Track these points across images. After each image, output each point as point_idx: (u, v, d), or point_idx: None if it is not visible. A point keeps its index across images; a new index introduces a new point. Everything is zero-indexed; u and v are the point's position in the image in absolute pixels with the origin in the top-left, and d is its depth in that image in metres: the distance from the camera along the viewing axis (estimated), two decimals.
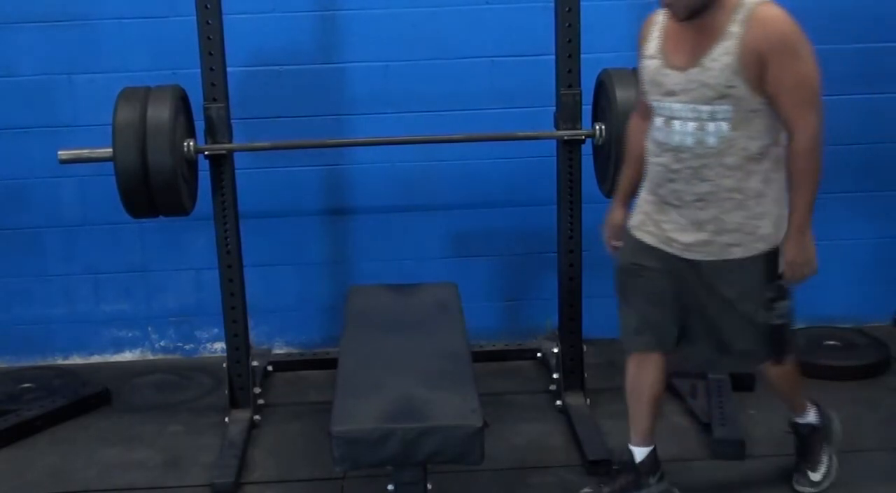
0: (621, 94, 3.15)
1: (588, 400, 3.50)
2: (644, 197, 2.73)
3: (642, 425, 2.84)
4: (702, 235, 2.57)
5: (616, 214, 2.87)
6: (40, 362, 4.03)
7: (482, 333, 3.92)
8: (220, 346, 3.97)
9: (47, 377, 3.81)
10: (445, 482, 2.91)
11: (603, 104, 3.31)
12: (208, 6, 3.20)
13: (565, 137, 3.36)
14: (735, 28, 2.41)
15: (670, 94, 2.52)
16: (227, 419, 3.44)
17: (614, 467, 2.95)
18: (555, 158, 3.46)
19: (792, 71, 2.41)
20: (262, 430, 3.46)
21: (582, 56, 3.30)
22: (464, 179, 3.95)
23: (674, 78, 2.50)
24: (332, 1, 3.80)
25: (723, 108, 2.44)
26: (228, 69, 3.30)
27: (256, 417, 3.48)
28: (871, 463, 3.13)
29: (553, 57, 3.33)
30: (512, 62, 3.80)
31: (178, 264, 4.01)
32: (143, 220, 3.34)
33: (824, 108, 2.51)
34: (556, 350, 3.57)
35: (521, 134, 3.60)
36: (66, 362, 4.06)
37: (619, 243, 2.83)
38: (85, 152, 3.19)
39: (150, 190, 3.09)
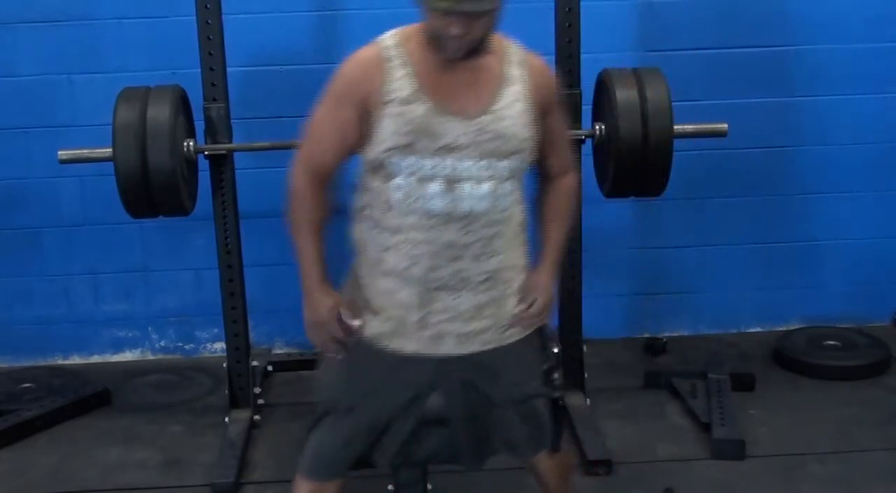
0: (621, 94, 3.15)
1: (588, 400, 3.49)
2: (391, 292, 2.18)
3: None
4: (482, 323, 2.16)
5: (330, 298, 2.32)
6: (40, 362, 4.02)
7: None
8: (220, 346, 3.97)
9: (47, 377, 3.81)
10: (445, 482, 2.91)
11: (603, 104, 3.30)
12: (208, 6, 3.21)
13: None
14: (515, 71, 2.10)
15: (453, 149, 2.03)
16: (227, 419, 3.44)
17: None
18: None
19: (563, 119, 2.28)
20: (262, 430, 3.46)
21: (582, 56, 3.30)
22: None
23: (457, 128, 2.03)
24: (332, 1, 3.79)
25: (516, 164, 2.09)
26: (228, 69, 3.30)
27: (256, 417, 3.48)
28: (871, 463, 3.13)
29: (553, 57, 3.33)
30: None
31: (178, 264, 4.00)
32: (143, 220, 3.34)
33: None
34: (556, 350, 3.56)
35: None
36: (66, 362, 4.06)
37: (357, 322, 2.26)
38: (85, 152, 3.19)
39: (150, 190, 3.09)
